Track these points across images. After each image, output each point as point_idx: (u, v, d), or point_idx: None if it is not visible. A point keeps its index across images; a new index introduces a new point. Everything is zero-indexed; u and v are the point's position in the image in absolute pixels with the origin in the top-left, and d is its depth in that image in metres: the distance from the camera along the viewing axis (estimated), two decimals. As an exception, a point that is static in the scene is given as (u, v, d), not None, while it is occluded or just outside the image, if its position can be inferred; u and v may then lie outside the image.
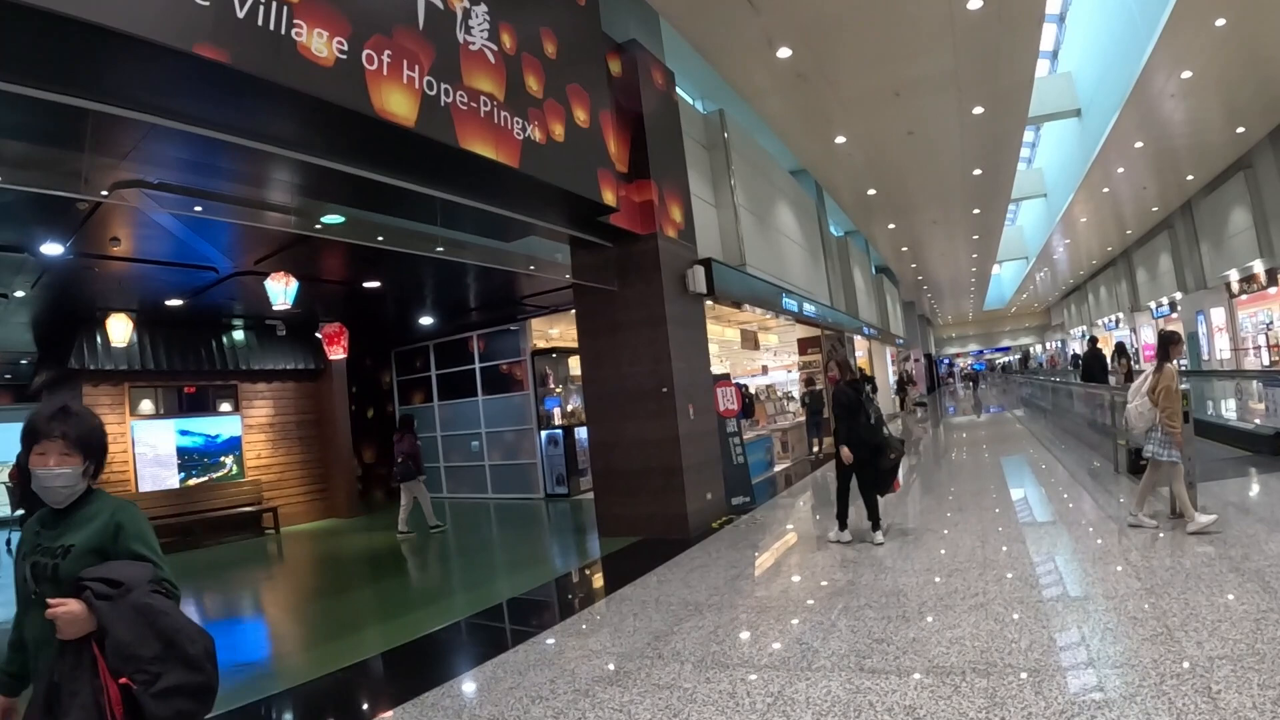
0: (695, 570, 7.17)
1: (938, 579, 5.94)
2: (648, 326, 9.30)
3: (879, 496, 7.50)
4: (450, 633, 6.11)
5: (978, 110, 14.37)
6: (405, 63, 5.31)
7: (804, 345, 19.58)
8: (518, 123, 6.56)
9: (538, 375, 14.60)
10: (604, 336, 9.75)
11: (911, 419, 27.09)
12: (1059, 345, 58.03)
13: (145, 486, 11.94)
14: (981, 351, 72.45)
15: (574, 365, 15.04)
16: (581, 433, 14.13)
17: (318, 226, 6.81)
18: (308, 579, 10.05)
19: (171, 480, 12.57)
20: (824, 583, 6.31)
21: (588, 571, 8.23)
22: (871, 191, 20.34)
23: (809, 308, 15.79)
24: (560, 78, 7.31)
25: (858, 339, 24.55)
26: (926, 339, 52.92)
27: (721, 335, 17.00)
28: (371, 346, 16.98)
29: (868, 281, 27.99)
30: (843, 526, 7.55)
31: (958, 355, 72.70)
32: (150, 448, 12.20)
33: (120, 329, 11.20)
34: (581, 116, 7.66)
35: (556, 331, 15.36)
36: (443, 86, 5.67)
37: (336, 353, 13.74)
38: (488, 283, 11.48)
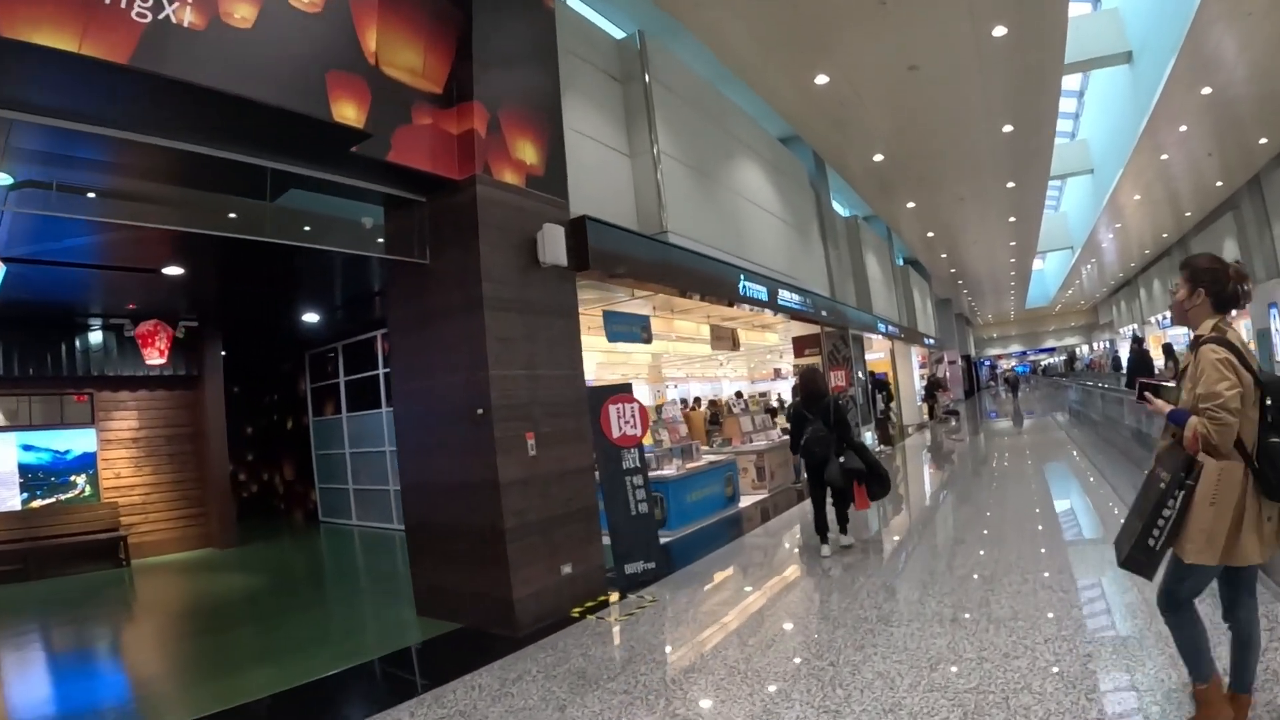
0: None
1: None
2: (461, 315, 5.96)
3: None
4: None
5: (999, 31, 10.47)
6: None
7: (801, 345, 15.74)
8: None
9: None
10: (413, 332, 6.47)
11: (944, 429, 22.92)
12: (1106, 346, 52.31)
13: (-14, 508, 9.88)
14: (1024, 353, 66.82)
15: None
16: None
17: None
18: (95, 629, 7.59)
19: (12, 501, 10.46)
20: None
21: (328, 689, 4.90)
22: (878, 158, 16.45)
23: (790, 297, 12.04)
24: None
25: (874, 338, 20.60)
26: (965, 340, 48.02)
27: (694, 331, 13.58)
28: (287, 348, 13.98)
29: (888, 273, 23.89)
30: (824, 540, 7.10)
31: (999, 357, 67.15)
32: (-11, 465, 10.09)
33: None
34: (298, -10, 4.45)
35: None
36: None
37: (153, 356, 10.70)
38: (315, 262, 8.03)
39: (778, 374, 21.91)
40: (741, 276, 10.07)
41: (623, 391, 7.17)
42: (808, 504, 7.81)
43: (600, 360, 19.10)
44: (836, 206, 19.80)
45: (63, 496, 10.74)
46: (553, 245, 6.28)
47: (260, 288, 9.88)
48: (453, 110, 6.00)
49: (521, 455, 5.85)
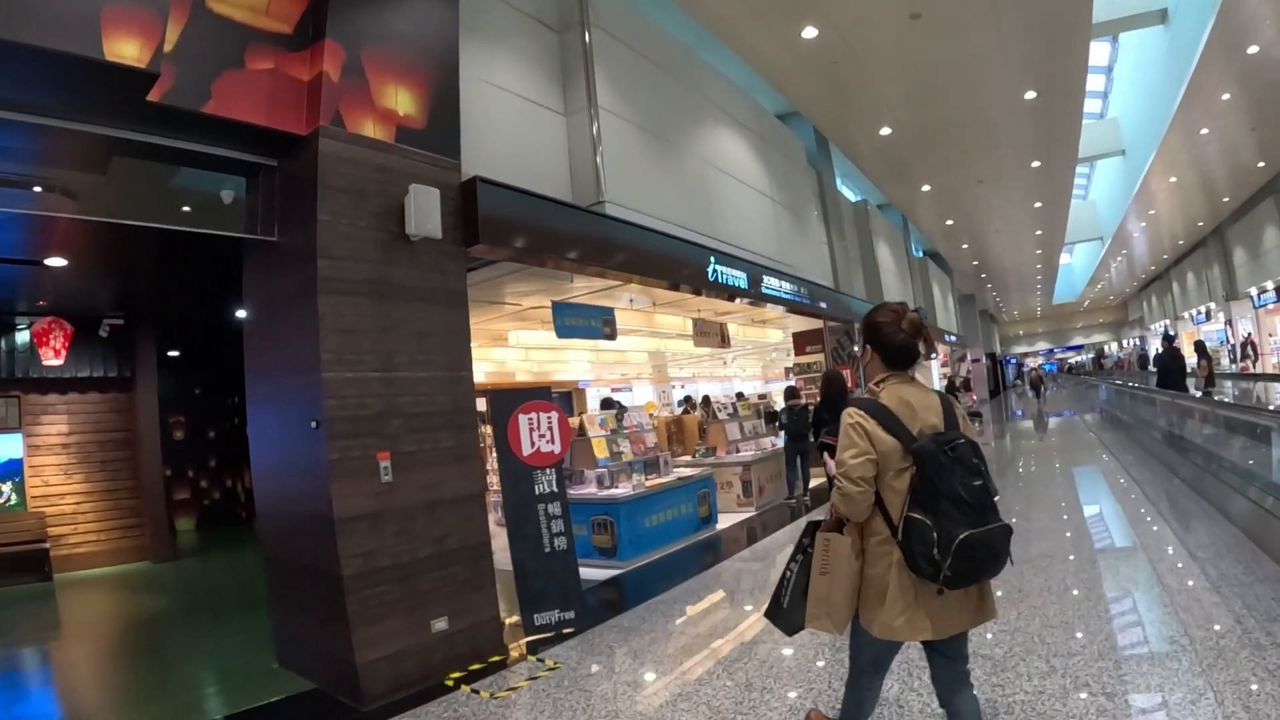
0: None
1: None
2: (298, 302, 4.60)
3: None
4: None
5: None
6: None
7: (801, 342, 14.15)
8: None
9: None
10: (260, 325, 5.19)
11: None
12: (1136, 343, 49.43)
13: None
14: (1051, 351, 63.90)
15: None
16: None
17: None
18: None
19: None
20: None
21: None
22: (885, 131, 14.72)
23: (779, 285, 10.47)
24: None
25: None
26: (990, 337, 45.57)
27: (683, 326, 12.00)
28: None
29: (904, 265, 22.07)
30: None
31: (1026, 355, 64.24)
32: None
33: None
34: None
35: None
36: None
37: (50, 357, 9.48)
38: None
39: (788, 373, 20.17)
40: (711, 259, 8.53)
41: (538, 398, 5.71)
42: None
43: (591, 359, 17.67)
44: (844, 190, 18.13)
45: (-14, 505, 9.73)
46: (423, 212, 4.83)
47: (195, 280, 8.71)
48: (305, 53, 4.67)
49: (369, 482, 4.45)
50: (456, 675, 4.59)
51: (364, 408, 4.50)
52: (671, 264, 7.83)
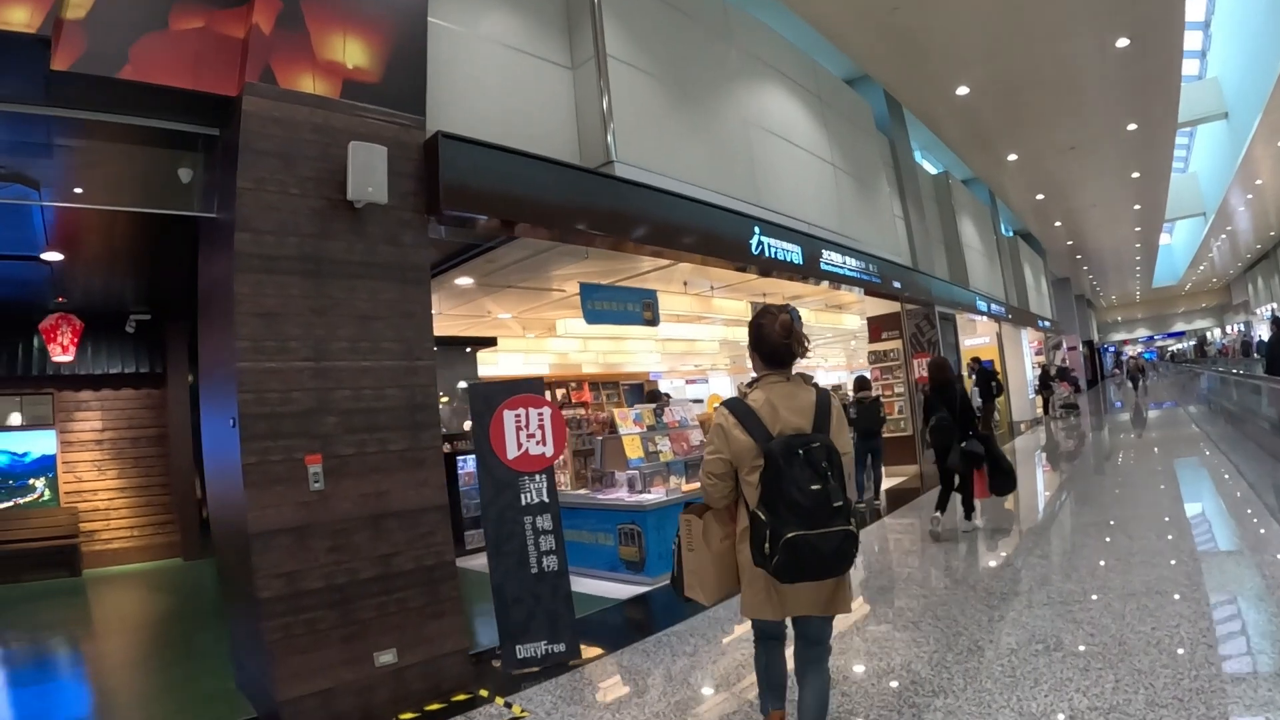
0: None
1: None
2: (222, 284, 4.01)
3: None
4: None
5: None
6: None
7: (877, 328, 12.87)
8: None
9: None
10: (204, 309, 4.55)
11: (1062, 425, 19.21)
12: (1240, 329, 45.19)
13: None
14: (1151, 338, 59.28)
15: (455, 363, 9.69)
16: (462, 464, 8.94)
17: None
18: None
19: None
20: None
21: None
22: (962, 90, 13.25)
23: (841, 261, 9.32)
24: None
25: (975, 320, 17.33)
26: (1087, 324, 42.38)
27: (739, 311, 10.86)
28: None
29: (991, 244, 20.24)
30: (939, 509, 6.91)
31: (1125, 342, 59.92)
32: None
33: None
34: None
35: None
36: None
37: (59, 353, 9.16)
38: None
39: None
40: (756, 230, 7.49)
41: (527, 390, 4.83)
42: (873, 531, 7.45)
43: (657, 349, 16.67)
44: (923, 164, 16.64)
45: (20, 500, 9.66)
46: (364, 173, 4.06)
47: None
48: (240, 9, 4.05)
49: (295, 490, 3.75)
50: (409, 716, 3.81)
51: (289, 403, 3.80)
52: (704, 235, 6.84)
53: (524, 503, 4.69)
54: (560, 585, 4.66)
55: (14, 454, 9.70)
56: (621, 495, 6.94)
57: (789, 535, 2.34)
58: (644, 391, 16.33)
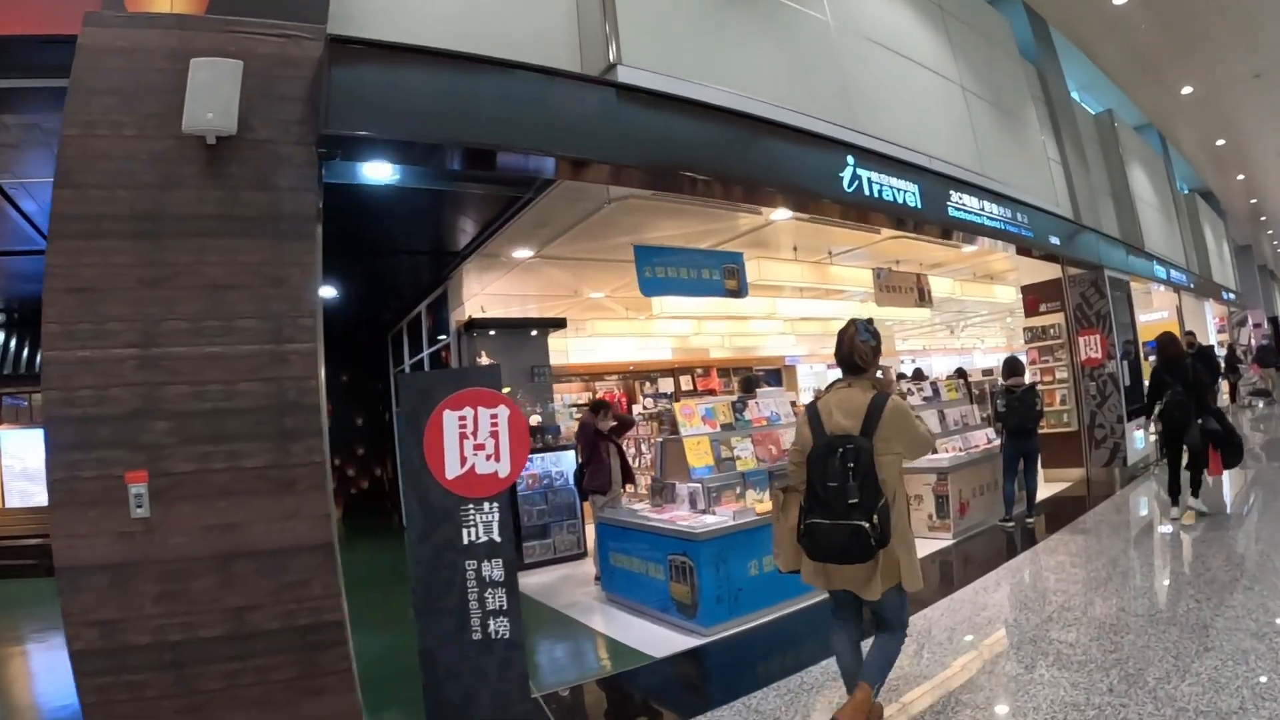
0: None
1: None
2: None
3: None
4: None
5: None
6: None
7: (1034, 299, 10.39)
8: None
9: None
10: None
11: (1255, 414, 15.79)
12: None
13: (12, 503, 9.47)
14: (1348, 317, 50.86)
15: (520, 347, 8.33)
16: (526, 465, 7.17)
17: None
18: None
19: (42, 497, 9.00)
20: None
21: None
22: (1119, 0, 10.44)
23: (975, 206, 7.12)
24: None
25: (1153, 289, 14.35)
26: (1271, 299, 36.17)
27: (863, 281, 9.17)
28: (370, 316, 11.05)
29: (1168, 200, 16.72)
30: (1174, 501, 6.48)
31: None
32: (18, 459, 9.60)
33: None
34: None
35: (491, 290, 8.47)
36: None
37: None
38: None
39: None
40: (849, 161, 5.47)
41: (479, 382, 3.18)
42: (1023, 559, 5.83)
43: (786, 330, 14.65)
44: (1082, 103, 13.77)
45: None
46: (204, 96, 3.10)
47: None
48: None
49: (112, 516, 2.92)
50: None
51: (104, 403, 2.97)
52: (768, 166, 4.91)
53: (466, 541, 3.09)
54: (514, 659, 3.09)
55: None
56: (677, 515, 5.17)
57: (810, 520, 2.80)
58: (740, 382, 14.57)
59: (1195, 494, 6.53)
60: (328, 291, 8.96)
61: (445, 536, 3.08)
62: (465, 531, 3.08)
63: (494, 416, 3.11)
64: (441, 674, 3.05)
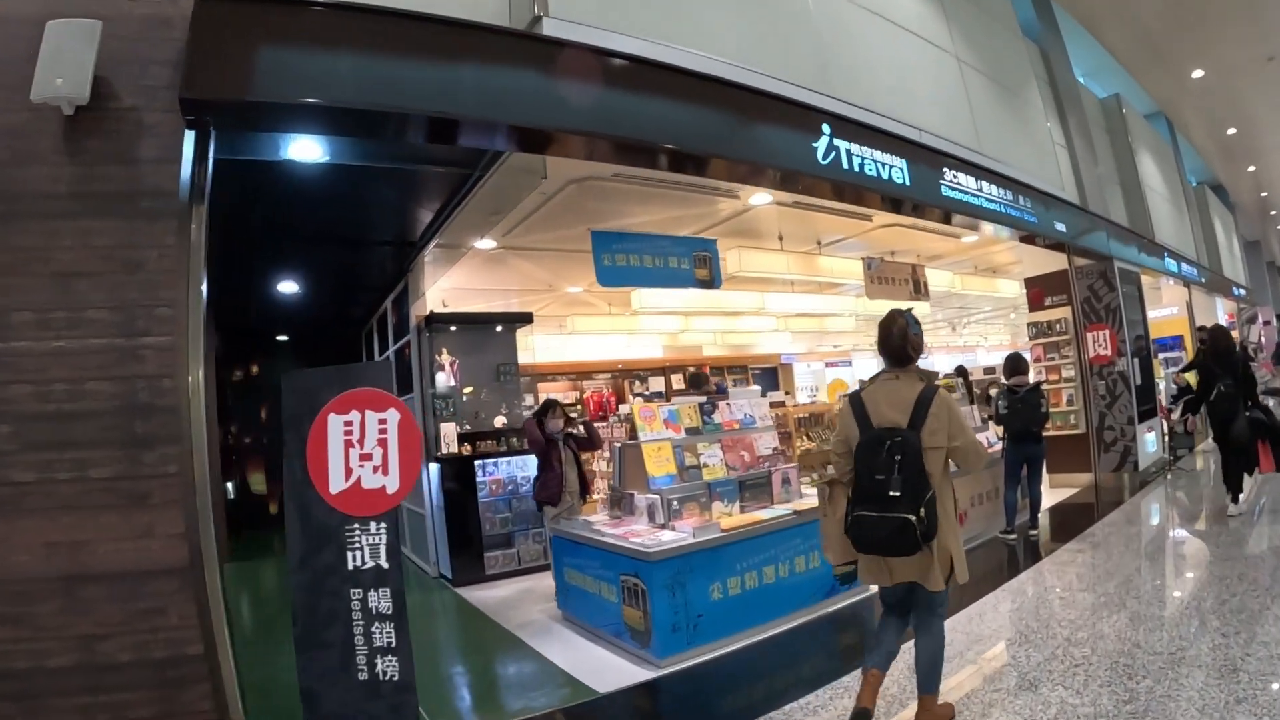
0: None
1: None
2: None
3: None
4: None
5: None
6: None
7: (1039, 292, 9.83)
8: None
9: (430, 366, 7.52)
10: None
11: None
12: None
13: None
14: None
15: (484, 345, 7.86)
16: (489, 469, 7.10)
17: None
18: None
19: None
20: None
21: None
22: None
23: (971, 185, 6.60)
24: None
25: (1162, 283, 13.80)
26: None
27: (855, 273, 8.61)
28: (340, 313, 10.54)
29: (1178, 190, 16.21)
30: (1234, 499, 6.23)
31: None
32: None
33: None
34: None
35: (449, 283, 7.99)
36: None
37: None
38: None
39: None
40: (825, 130, 4.94)
41: (368, 381, 2.69)
42: (1025, 578, 5.22)
43: (782, 327, 14.07)
44: (1089, 86, 13.21)
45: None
46: (55, 63, 2.78)
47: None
48: None
49: None
50: None
51: None
52: (730, 136, 4.40)
53: (351, 566, 2.60)
54: (404, 705, 2.59)
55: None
56: (632, 530, 4.65)
57: (858, 513, 2.78)
58: (688, 377, 14.14)
59: (1236, 497, 6.22)
60: (288, 286, 8.49)
61: (328, 561, 2.61)
62: (350, 555, 2.60)
63: (383, 421, 2.62)
64: (322, 710, 2.57)
